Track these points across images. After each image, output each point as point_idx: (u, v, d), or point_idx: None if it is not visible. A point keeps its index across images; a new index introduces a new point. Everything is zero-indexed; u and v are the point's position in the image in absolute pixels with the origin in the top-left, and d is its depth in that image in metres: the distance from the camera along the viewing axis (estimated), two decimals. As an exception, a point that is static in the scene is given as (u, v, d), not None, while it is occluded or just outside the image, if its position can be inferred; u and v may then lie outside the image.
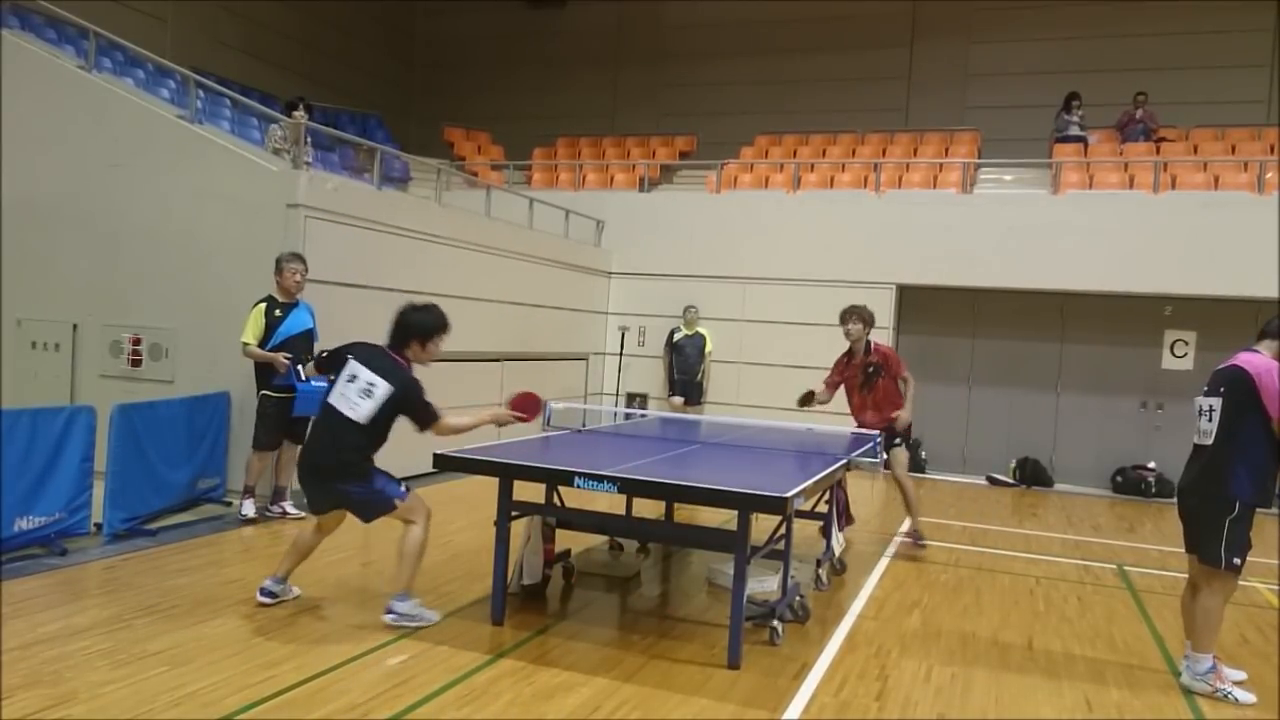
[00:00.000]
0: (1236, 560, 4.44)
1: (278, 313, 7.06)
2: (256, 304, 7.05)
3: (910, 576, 6.69)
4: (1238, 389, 4.49)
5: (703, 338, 12.19)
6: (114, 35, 9.27)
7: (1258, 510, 4.51)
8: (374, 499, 4.87)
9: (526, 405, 5.20)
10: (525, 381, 11.02)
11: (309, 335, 7.20)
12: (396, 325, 4.99)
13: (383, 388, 4.80)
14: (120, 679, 4.00)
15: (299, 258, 7.16)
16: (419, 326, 4.97)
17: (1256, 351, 4.57)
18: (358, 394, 4.81)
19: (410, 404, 4.86)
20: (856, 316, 7.16)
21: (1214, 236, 10.72)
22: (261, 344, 6.98)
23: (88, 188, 8.36)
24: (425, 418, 4.87)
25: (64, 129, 8.51)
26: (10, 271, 8.57)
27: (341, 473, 4.84)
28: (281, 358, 6.92)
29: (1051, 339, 11.92)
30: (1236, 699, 4.50)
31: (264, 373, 7.06)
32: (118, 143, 8.29)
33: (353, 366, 4.87)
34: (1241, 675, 4.74)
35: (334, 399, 4.87)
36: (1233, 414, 4.49)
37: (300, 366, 6.95)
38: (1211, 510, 4.52)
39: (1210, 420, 4.59)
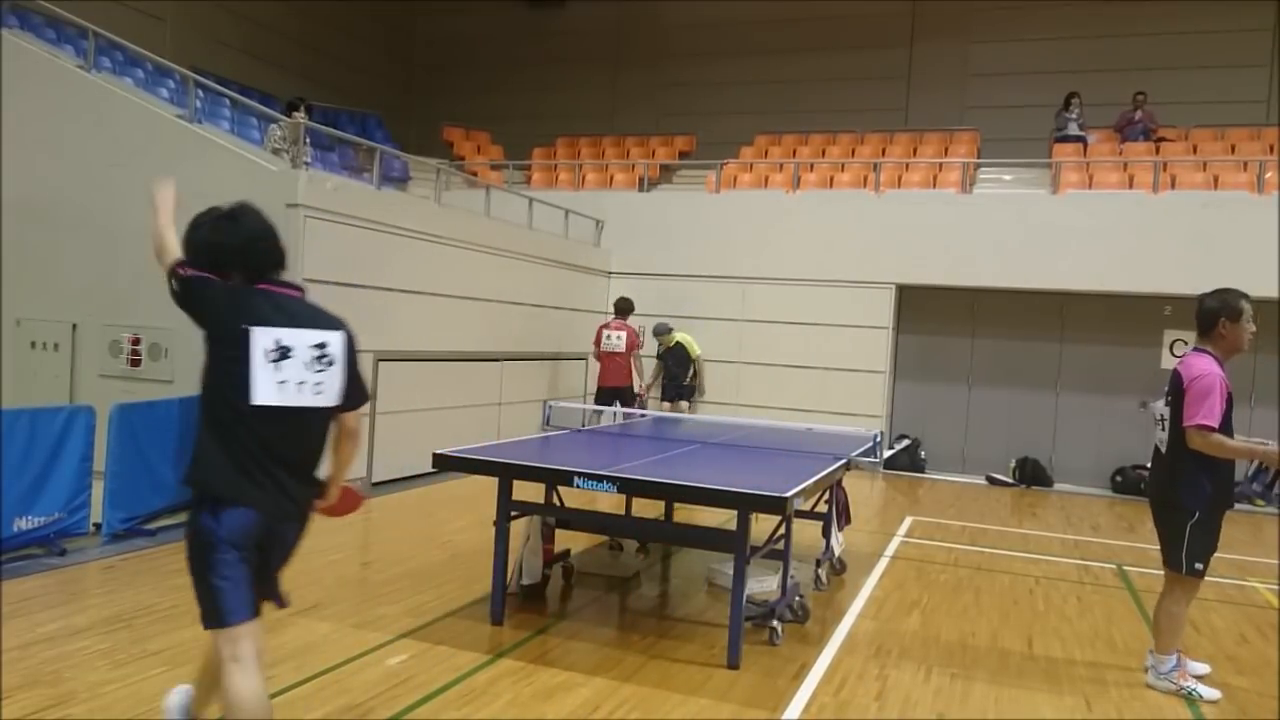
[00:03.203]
0: (1198, 565, 4.39)
1: None
2: None
3: (910, 576, 6.69)
4: (1178, 395, 4.38)
5: (682, 346, 11.93)
6: (113, 35, 9.26)
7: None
8: None
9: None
10: (525, 380, 11.14)
11: None
12: None
13: None
14: (120, 679, 4.00)
15: None
16: None
17: (1203, 351, 4.44)
18: None
19: None
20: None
21: (1214, 236, 10.71)
22: None
23: (88, 188, 8.35)
24: None
25: (64, 129, 8.51)
26: (10, 271, 8.57)
27: None
28: None
29: (1051, 339, 11.91)
30: (1200, 695, 4.46)
31: None
32: (118, 143, 8.29)
33: None
34: (1204, 669, 4.72)
35: None
36: (1176, 421, 4.39)
37: None
38: (1172, 519, 4.47)
39: (1164, 429, 4.52)
